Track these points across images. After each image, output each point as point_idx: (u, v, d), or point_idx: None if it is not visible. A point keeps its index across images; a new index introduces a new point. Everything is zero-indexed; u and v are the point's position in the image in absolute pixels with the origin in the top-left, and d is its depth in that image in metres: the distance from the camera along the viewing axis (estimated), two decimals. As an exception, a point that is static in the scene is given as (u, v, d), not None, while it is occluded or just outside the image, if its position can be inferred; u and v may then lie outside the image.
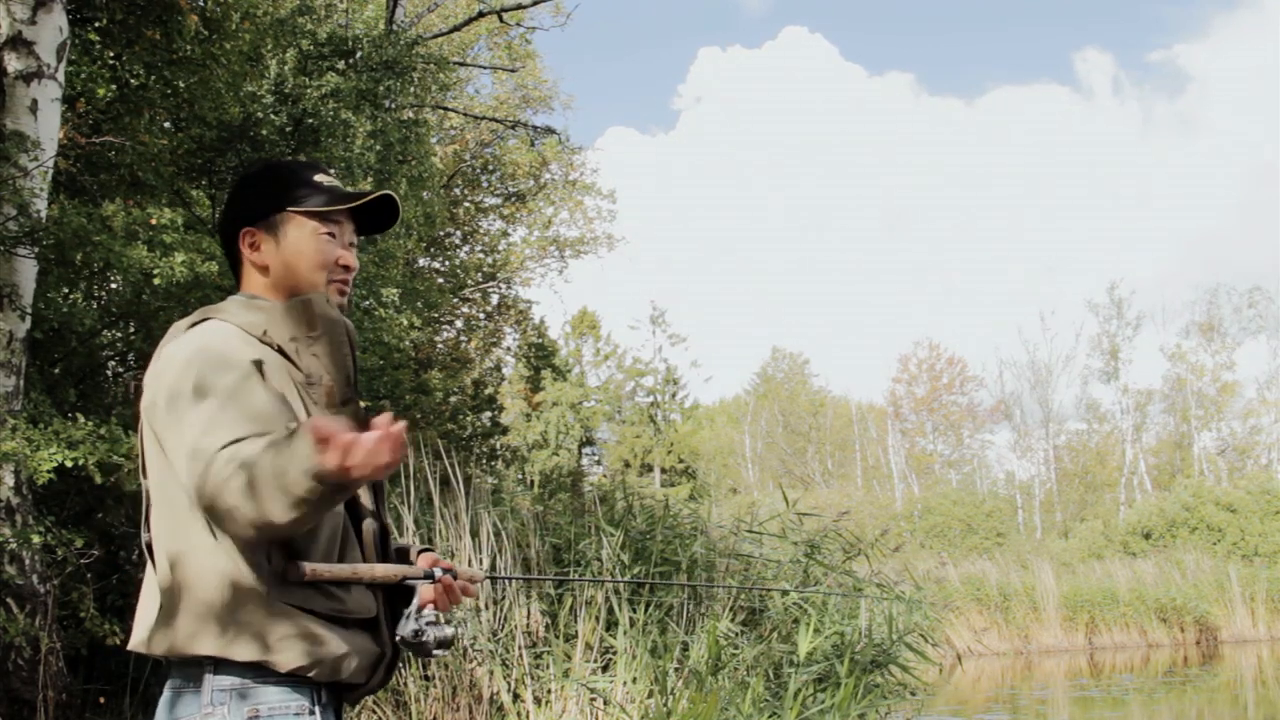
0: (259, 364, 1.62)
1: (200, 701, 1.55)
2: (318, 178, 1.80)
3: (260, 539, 1.49)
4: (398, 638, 1.67)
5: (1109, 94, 66.44)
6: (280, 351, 1.69)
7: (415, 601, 1.68)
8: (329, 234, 1.77)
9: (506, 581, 5.55)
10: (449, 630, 1.69)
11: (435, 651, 1.67)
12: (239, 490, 1.41)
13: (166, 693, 1.61)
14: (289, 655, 1.54)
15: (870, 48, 72.37)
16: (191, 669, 1.57)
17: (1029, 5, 64.60)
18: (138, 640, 1.62)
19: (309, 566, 1.55)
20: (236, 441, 1.47)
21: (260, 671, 1.55)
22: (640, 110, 79.28)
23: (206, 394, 1.55)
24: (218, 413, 1.53)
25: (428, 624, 1.67)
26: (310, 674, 1.56)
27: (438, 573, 1.71)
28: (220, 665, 1.55)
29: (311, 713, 1.58)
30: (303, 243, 1.76)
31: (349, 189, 1.84)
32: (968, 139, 65.38)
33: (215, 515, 1.47)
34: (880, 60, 75.88)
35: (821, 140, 66.70)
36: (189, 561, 1.57)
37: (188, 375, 1.58)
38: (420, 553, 1.81)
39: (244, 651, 1.53)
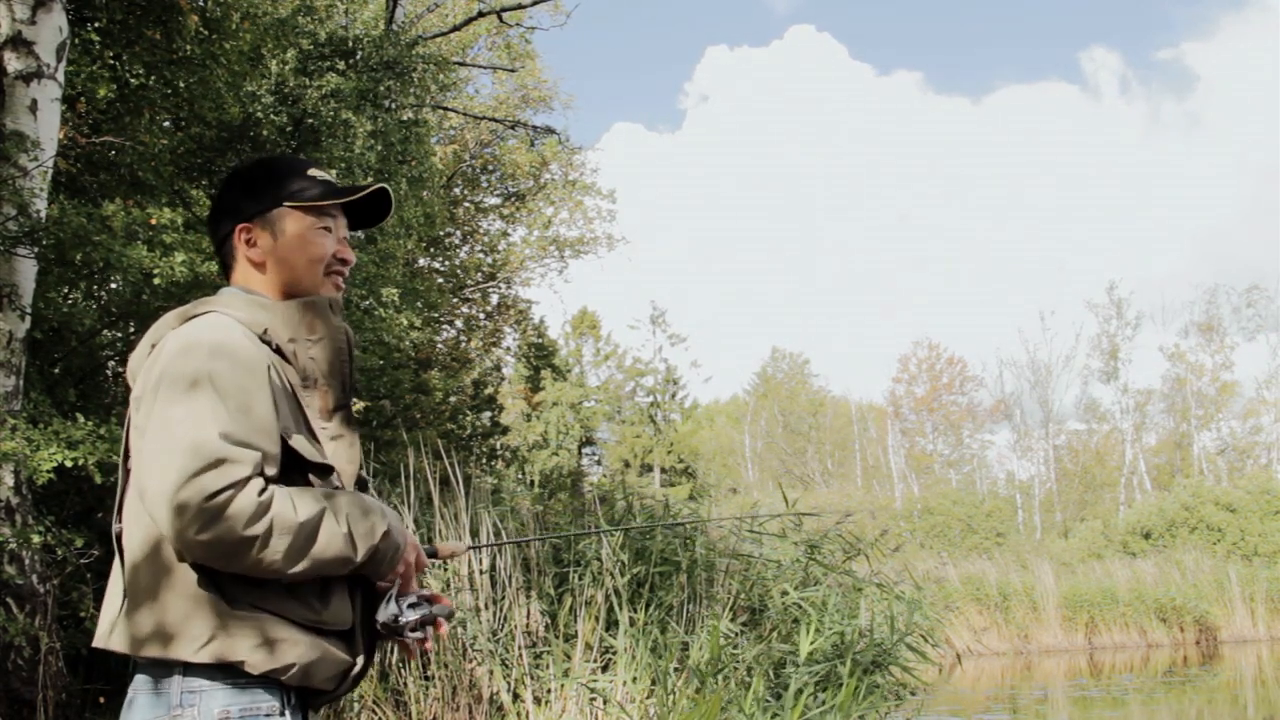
0: (268, 368, 1.61)
1: (169, 702, 1.52)
2: (311, 172, 1.80)
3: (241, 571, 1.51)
4: (378, 623, 1.66)
5: (1116, 93, 66.60)
6: (278, 351, 1.68)
7: (396, 585, 1.68)
8: (324, 228, 1.78)
9: (507, 581, 5.55)
10: (426, 610, 1.68)
11: (411, 635, 1.66)
12: (281, 550, 1.48)
13: (131, 692, 1.58)
14: (262, 657, 1.52)
15: (878, 47, 72.57)
16: (159, 668, 1.54)
17: (1036, 4, 64.78)
18: (101, 635, 1.58)
19: None
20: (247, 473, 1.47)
21: (232, 673, 1.52)
22: (647, 108, 79.49)
23: (212, 390, 1.52)
24: (224, 415, 1.51)
25: (408, 606, 1.67)
26: (283, 677, 1.54)
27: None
28: (191, 666, 1.51)
29: (282, 714, 1.56)
30: (299, 237, 1.76)
31: (342, 184, 1.84)
32: (974, 138, 65.51)
33: (214, 540, 1.45)
34: (888, 59, 76.11)
35: (827, 139, 66.83)
36: (163, 558, 1.53)
37: (189, 365, 1.54)
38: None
39: (216, 653, 1.50)
